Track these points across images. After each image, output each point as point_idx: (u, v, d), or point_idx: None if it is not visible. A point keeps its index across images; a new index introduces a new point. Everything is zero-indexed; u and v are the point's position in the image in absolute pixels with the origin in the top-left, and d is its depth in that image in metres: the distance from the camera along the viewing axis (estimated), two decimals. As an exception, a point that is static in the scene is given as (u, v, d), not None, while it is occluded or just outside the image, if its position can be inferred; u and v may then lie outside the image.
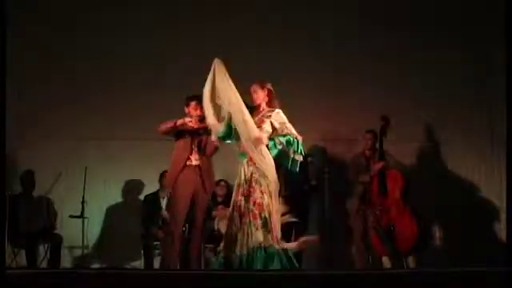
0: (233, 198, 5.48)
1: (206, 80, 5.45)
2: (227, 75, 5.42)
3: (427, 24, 7.79)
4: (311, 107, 7.50)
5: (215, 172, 6.30)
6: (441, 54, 7.70)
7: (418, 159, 7.63)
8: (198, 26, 7.79)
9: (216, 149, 6.09)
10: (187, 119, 5.97)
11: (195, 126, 5.96)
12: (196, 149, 6.04)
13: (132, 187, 7.71)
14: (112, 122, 7.70)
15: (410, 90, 7.70)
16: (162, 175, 7.11)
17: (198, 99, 5.96)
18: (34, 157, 7.48)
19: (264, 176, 5.38)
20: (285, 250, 5.29)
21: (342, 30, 7.82)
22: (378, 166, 6.68)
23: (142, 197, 7.56)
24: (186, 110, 6.08)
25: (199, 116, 5.99)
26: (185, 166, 5.99)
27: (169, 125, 5.98)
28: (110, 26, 7.84)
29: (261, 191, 5.36)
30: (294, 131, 5.53)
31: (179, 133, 6.04)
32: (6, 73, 4.96)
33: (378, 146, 6.83)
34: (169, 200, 6.84)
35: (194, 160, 6.03)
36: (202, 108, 5.93)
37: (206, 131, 5.98)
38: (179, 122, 5.96)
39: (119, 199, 7.76)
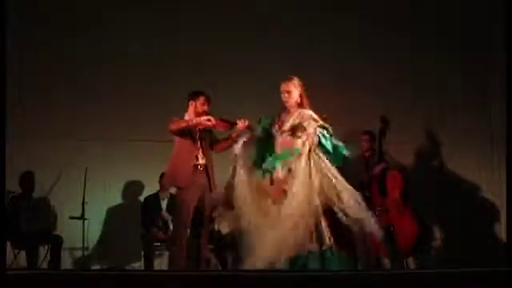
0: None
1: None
2: None
3: (427, 24, 7.79)
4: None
5: (216, 173, 6.26)
6: (441, 54, 7.70)
7: (418, 159, 7.63)
8: (198, 26, 7.80)
9: (228, 146, 5.92)
10: (203, 118, 5.79)
11: (215, 125, 5.82)
12: (201, 147, 5.93)
13: (132, 188, 7.71)
14: (112, 123, 7.70)
15: (410, 90, 7.70)
16: (163, 176, 7.11)
17: (206, 95, 5.97)
18: (34, 157, 7.48)
19: None
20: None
21: (341, 31, 7.83)
22: (379, 168, 6.68)
23: (142, 198, 7.56)
24: (191, 104, 5.97)
25: (205, 112, 5.92)
26: (194, 166, 5.89)
27: (182, 125, 5.82)
28: (110, 27, 7.84)
29: None
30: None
31: (184, 131, 5.89)
32: (6, 73, 4.97)
33: (377, 146, 6.83)
34: (172, 201, 6.81)
35: (201, 159, 5.92)
36: (209, 104, 5.93)
37: (222, 127, 5.92)
38: (194, 121, 5.80)
39: (119, 200, 7.76)
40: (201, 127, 5.88)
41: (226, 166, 6.59)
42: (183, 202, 5.89)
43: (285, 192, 5.25)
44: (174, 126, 5.85)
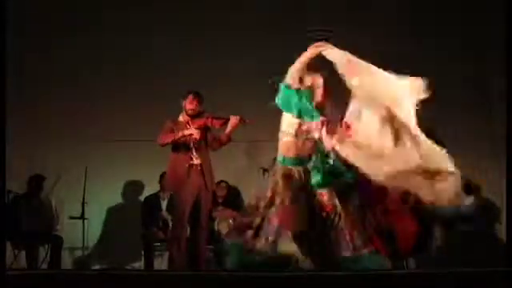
0: None
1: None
2: None
3: (427, 24, 7.79)
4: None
5: (215, 173, 6.28)
6: (441, 53, 7.70)
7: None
8: (199, 26, 7.80)
9: (224, 143, 6.06)
10: (187, 132, 5.92)
11: (197, 137, 5.92)
12: (196, 147, 5.98)
13: (132, 188, 7.72)
14: (112, 123, 7.70)
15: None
16: (163, 176, 7.11)
17: (194, 94, 6.04)
18: (35, 158, 7.48)
19: None
20: None
21: (341, 31, 7.81)
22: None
23: (142, 198, 7.56)
24: (184, 103, 6.07)
25: (191, 109, 6.00)
26: (189, 166, 5.95)
27: (169, 139, 5.95)
28: (110, 26, 7.84)
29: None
30: None
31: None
32: (6, 73, 4.96)
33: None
34: (171, 201, 6.82)
35: (195, 159, 5.98)
36: (198, 102, 5.99)
37: (208, 130, 6.01)
38: (178, 135, 5.92)
39: (119, 200, 7.77)
40: (188, 138, 5.92)
41: (226, 165, 6.63)
42: (180, 201, 5.96)
43: None
44: (161, 140, 5.97)
